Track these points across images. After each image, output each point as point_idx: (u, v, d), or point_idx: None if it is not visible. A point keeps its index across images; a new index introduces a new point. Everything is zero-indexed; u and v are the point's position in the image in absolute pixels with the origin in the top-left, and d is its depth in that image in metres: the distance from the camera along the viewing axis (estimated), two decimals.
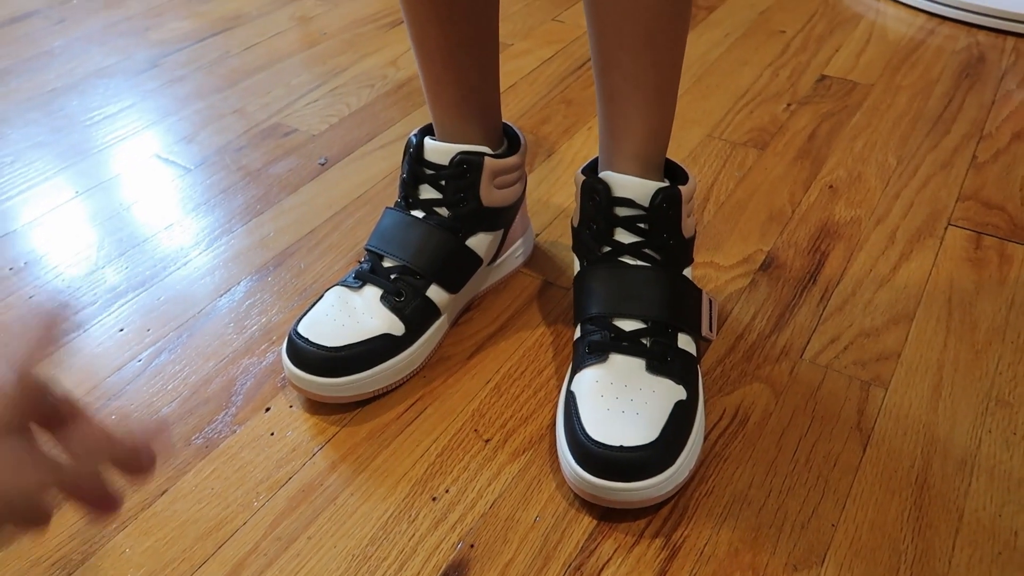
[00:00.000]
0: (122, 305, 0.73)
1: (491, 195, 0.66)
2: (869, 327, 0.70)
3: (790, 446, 0.60)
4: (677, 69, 0.59)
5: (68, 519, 0.55)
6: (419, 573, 0.52)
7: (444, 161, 0.65)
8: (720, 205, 0.84)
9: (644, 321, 0.59)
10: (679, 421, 0.55)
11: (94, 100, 1.05)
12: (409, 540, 0.54)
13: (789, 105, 1.01)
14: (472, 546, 0.54)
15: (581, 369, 0.58)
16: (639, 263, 0.60)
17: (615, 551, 0.53)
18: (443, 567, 0.52)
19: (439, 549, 0.53)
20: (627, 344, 0.58)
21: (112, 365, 0.67)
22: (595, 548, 0.53)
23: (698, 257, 0.77)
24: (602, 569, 0.52)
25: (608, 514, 0.55)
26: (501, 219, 0.69)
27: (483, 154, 0.65)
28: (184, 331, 0.70)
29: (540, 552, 0.53)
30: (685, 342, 0.60)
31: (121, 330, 0.70)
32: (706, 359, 0.67)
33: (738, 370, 0.66)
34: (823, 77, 1.07)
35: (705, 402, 0.62)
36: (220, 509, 0.56)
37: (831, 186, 0.87)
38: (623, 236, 0.60)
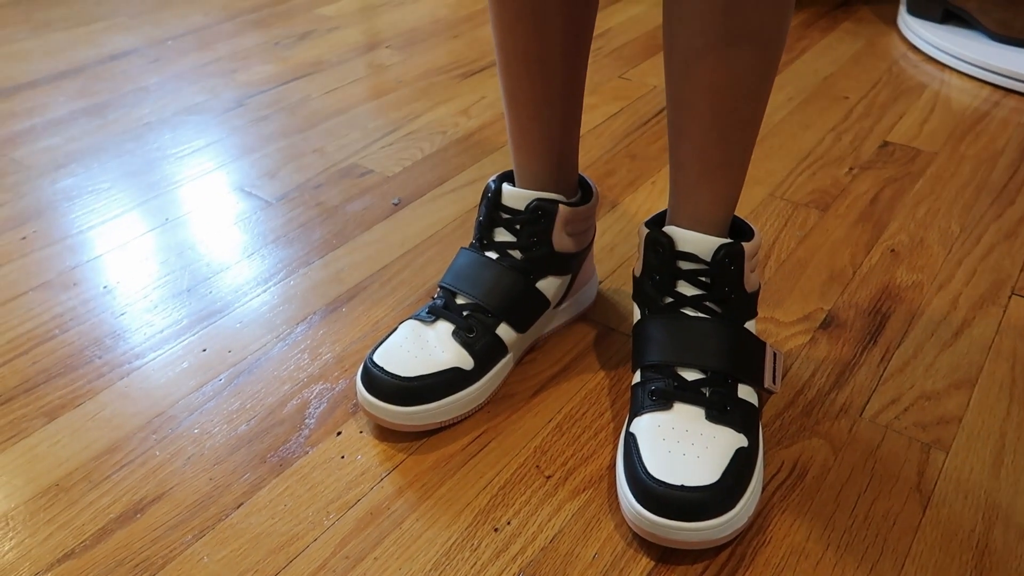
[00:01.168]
0: (206, 327, 0.77)
1: (562, 241, 0.69)
2: (930, 390, 0.70)
3: (848, 502, 0.60)
4: (748, 146, 0.61)
5: (151, 523, 0.58)
6: None
7: (520, 206, 0.68)
8: (781, 263, 0.86)
9: (704, 371, 0.60)
10: (740, 466, 0.56)
11: (184, 135, 1.12)
12: (471, 568, 0.56)
13: (851, 169, 1.02)
14: None
15: (641, 413, 0.60)
16: (700, 315, 0.62)
17: None
18: None
19: None
20: (689, 393, 0.60)
21: (195, 382, 0.71)
22: None
23: (760, 312, 0.79)
24: None
25: (666, 556, 0.56)
26: (570, 264, 0.72)
27: (558, 202, 0.68)
28: (262, 355, 0.74)
29: None
30: (746, 392, 0.61)
31: (204, 350, 0.74)
32: (765, 412, 0.68)
33: (797, 424, 0.67)
34: (886, 143, 1.08)
35: (764, 453, 0.63)
36: (292, 525, 0.58)
37: (893, 250, 0.88)
38: (685, 288, 0.62)
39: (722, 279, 0.62)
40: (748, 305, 0.64)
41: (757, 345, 0.64)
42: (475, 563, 0.56)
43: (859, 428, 0.66)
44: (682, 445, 0.57)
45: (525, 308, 0.69)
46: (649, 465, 0.56)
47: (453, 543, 0.57)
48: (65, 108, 1.19)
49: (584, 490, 0.61)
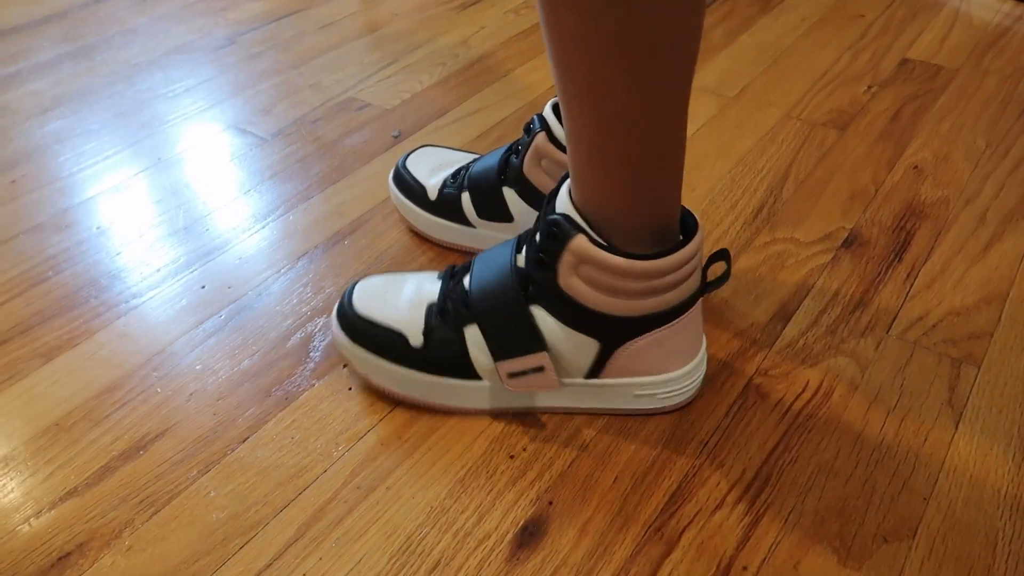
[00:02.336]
0: (204, 264, 0.74)
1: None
2: (960, 306, 0.67)
3: (877, 420, 0.58)
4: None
5: (155, 459, 0.56)
6: (498, 526, 0.52)
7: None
8: (800, 183, 0.82)
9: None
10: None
11: (174, 75, 1.08)
12: (487, 495, 0.54)
13: (870, 87, 0.98)
14: (550, 503, 0.53)
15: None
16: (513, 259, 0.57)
17: (696, 514, 0.52)
18: (522, 522, 0.52)
19: (518, 504, 0.53)
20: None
21: (194, 320, 0.68)
22: (676, 510, 0.52)
23: (778, 233, 0.76)
24: (683, 531, 0.51)
25: (689, 478, 0.54)
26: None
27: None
28: (263, 289, 0.71)
29: (619, 512, 0.52)
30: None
31: (203, 287, 0.72)
32: (788, 331, 0.65)
33: (822, 343, 0.64)
34: (905, 60, 1.04)
35: (788, 372, 0.60)
36: (300, 457, 0.56)
37: (916, 167, 0.84)
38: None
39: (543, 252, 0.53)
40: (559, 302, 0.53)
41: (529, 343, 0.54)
42: (491, 490, 0.54)
43: (886, 346, 0.64)
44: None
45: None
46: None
47: (468, 471, 0.55)
48: (50, 52, 1.15)
49: (601, 415, 0.59)
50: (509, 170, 0.69)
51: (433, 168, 0.76)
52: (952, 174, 0.83)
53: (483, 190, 0.70)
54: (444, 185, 0.73)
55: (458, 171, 0.74)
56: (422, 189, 0.74)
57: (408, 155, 0.78)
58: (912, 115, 0.93)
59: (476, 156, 0.77)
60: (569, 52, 0.44)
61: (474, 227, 0.72)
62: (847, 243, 0.74)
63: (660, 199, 0.50)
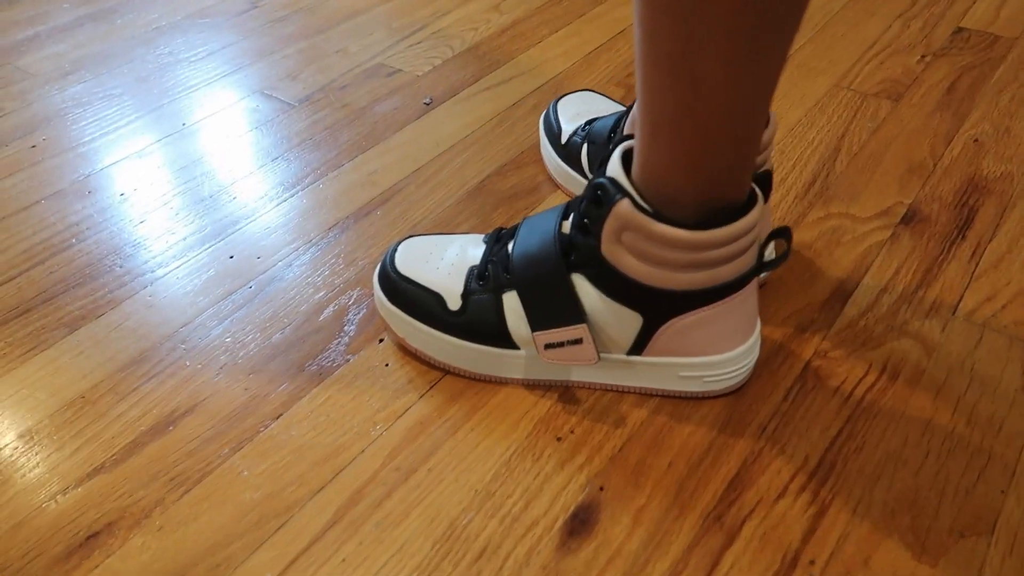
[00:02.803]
0: (232, 233, 0.71)
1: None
2: None
3: (947, 406, 0.55)
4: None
5: (185, 435, 0.54)
6: (547, 512, 0.49)
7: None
8: (853, 156, 0.78)
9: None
10: None
11: (197, 39, 1.05)
12: (534, 479, 0.51)
13: (923, 57, 0.93)
14: (601, 489, 0.50)
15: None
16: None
17: (758, 503, 0.49)
18: (572, 508, 0.49)
19: (567, 490, 0.50)
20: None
21: (224, 290, 0.65)
22: (736, 498, 0.49)
23: (833, 208, 0.72)
24: (744, 520, 0.48)
25: (748, 464, 0.51)
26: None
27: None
28: (294, 260, 0.68)
29: (676, 499, 0.49)
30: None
31: (232, 257, 0.69)
32: (847, 311, 0.62)
33: (883, 324, 0.60)
34: (960, 29, 0.99)
35: (849, 354, 0.57)
36: (337, 436, 0.54)
37: (976, 140, 0.80)
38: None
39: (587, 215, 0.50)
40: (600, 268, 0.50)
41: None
42: (538, 473, 0.51)
43: (953, 327, 0.60)
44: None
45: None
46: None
47: (513, 453, 0.52)
48: (70, 15, 1.11)
49: (652, 396, 0.56)
50: (617, 133, 0.68)
51: (578, 113, 0.75)
52: (1015, 148, 0.78)
53: (598, 145, 0.69)
54: (575, 132, 0.73)
55: (590, 121, 0.73)
56: (559, 132, 0.74)
57: (563, 96, 0.78)
58: (969, 86, 0.88)
59: (624, 109, 0.73)
60: (659, 10, 0.40)
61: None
62: (906, 219, 0.70)
63: (730, 181, 0.46)
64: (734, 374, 0.54)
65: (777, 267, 0.51)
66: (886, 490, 0.50)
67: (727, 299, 0.50)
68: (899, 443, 0.52)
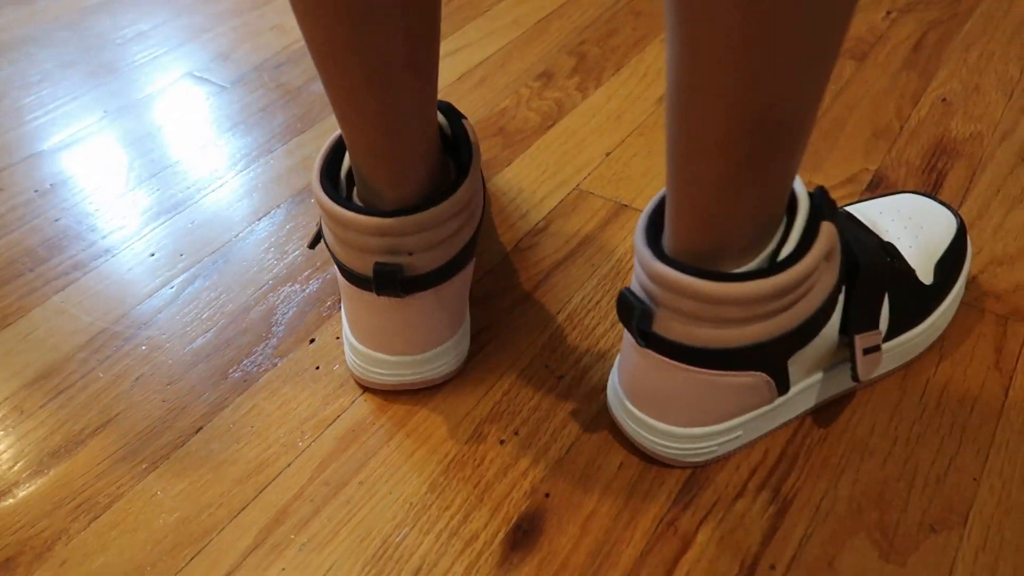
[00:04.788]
0: (153, 229, 0.66)
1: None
2: (1002, 254, 0.60)
3: (916, 388, 0.51)
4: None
5: (94, 456, 0.49)
6: (487, 524, 0.45)
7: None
8: (816, 121, 0.74)
9: None
10: None
11: (125, 18, 0.98)
12: (475, 488, 0.47)
13: (889, 13, 0.89)
14: (547, 495, 0.46)
15: None
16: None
17: (715, 504, 0.46)
18: (515, 518, 0.45)
19: (509, 498, 0.46)
20: None
21: (143, 292, 0.61)
22: (691, 500, 0.46)
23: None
24: (701, 524, 0.45)
25: (704, 463, 0.47)
26: None
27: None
28: (220, 256, 0.63)
29: (627, 504, 0.46)
30: None
31: (152, 255, 0.64)
32: None
33: None
34: None
35: None
36: (261, 449, 0.49)
37: (944, 99, 0.76)
38: None
39: None
40: None
41: None
42: (479, 482, 0.47)
43: None
44: None
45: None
46: None
47: (452, 460, 0.48)
48: None
49: (602, 390, 0.52)
50: None
51: None
52: (984, 107, 0.74)
53: None
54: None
55: None
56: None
57: None
58: (936, 43, 0.84)
59: None
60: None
61: None
62: (872, 186, 0.67)
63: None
64: None
65: None
66: (851, 484, 0.46)
67: None
68: (865, 431, 0.49)
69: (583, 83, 0.81)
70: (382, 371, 0.50)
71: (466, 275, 0.51)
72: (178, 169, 0.73)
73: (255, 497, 0.47)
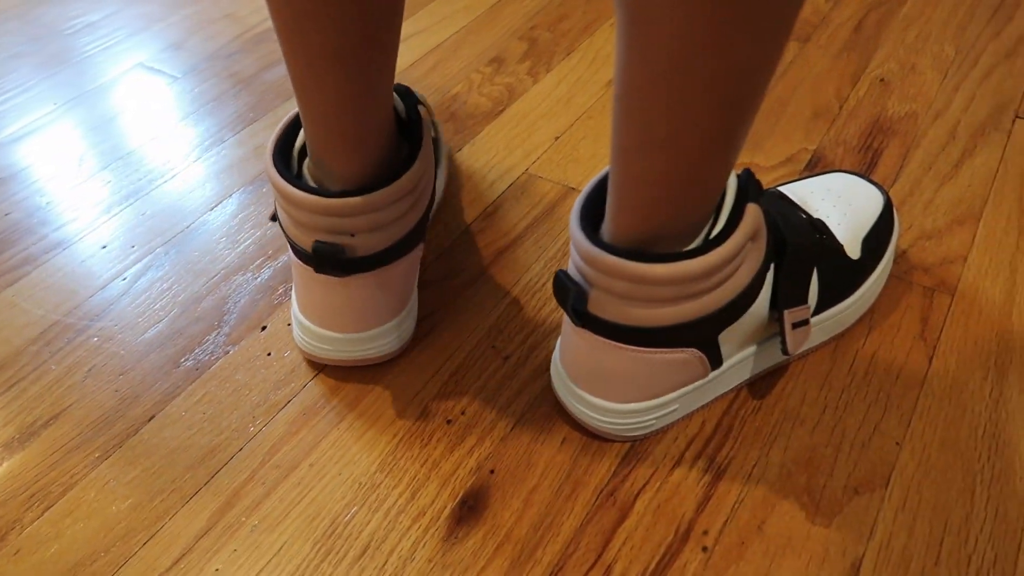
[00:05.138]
0: (105, 221, 0.67)
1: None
2: (931, 229, 0.62)
3: (845, 358, 0.53)
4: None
5: (46, 447, 0.50)
6: (434, 501, 0.47)
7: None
8: None
9: None
10: None
11: (75, 8, 0.97)
12: (422, 466, 0.49)
13: None
14: (492, 472, 0.48)
15: None
16: None
17: (652, 474, 0.48)
18: (460, 494, 0.47)
19: (455, 475, 0.48)
20: None
21: (95, 284, 0.61)
22: (630, 472, 0.48)
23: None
24: (639, 494, 0.47)
25: (643, 438, 0.49)
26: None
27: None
28: (172, 247, 0.64)
29: (568, 477, 0.48)
30: None
31: (104, 247, 0.64)
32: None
33: None
34: None
35: None
36: (213, 436, 0.51)
37: (882, 79, 0.78)
38: None
39: None
40: None
41: None
42: (426, 460, 0.49)
43: None
44: None
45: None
46: None
47: (400, 440, 0.50)
48: None
49: (547, 369, 0.54)
50: None
51: None
52: (920, 86, 0.77)
53: None
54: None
55: None
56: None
57: None
58: (876, 24, 0.86)
59: None
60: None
61: None
62: (811, 165, 0.69)
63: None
64: None
65: None
66: (782, 451, 0.48)
67: None
68: (797, 401, 0.51)
69: (534, 68, 0.82)
70: (326, 347, 0.51)
71: (413, 258, 0.52)
72: (130, 160, 0.73)
73: (207, 482, 0.48)
